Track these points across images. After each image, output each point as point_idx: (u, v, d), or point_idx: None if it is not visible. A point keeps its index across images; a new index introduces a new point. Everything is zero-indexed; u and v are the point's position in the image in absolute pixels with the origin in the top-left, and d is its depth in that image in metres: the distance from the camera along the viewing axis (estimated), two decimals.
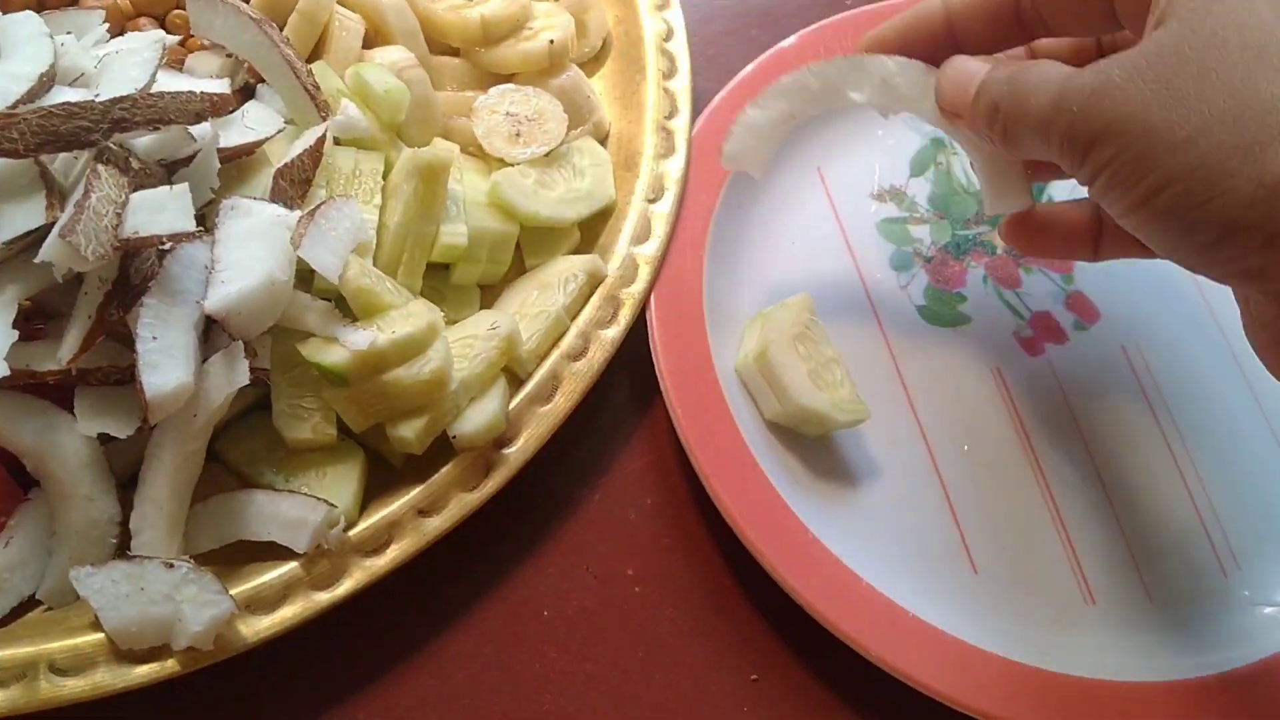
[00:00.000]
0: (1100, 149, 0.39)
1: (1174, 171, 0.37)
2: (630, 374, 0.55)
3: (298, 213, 0.48)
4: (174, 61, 0.55)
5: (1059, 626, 0.51)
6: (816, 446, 0.54)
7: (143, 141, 0.48)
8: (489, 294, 0.54)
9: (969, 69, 0.45)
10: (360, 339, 0.46)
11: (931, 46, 0.48)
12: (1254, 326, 0.41)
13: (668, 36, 0.60)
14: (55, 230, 0.42)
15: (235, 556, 0.47)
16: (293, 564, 0.47)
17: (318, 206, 0.47)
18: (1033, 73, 0.42)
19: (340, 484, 0.48)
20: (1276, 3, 0.38)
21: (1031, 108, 0.41)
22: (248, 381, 0.44)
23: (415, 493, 0.48)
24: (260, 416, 0.49)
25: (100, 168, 0.44)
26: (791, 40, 0.61)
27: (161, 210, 0.44)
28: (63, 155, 0.46)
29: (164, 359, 0.43)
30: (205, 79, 0.53)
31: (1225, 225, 0.37)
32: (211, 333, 0.47)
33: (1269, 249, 0.36)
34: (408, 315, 0.48)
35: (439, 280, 0.53)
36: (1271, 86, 0.36)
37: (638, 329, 0.54)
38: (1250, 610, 0.52)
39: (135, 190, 0.45)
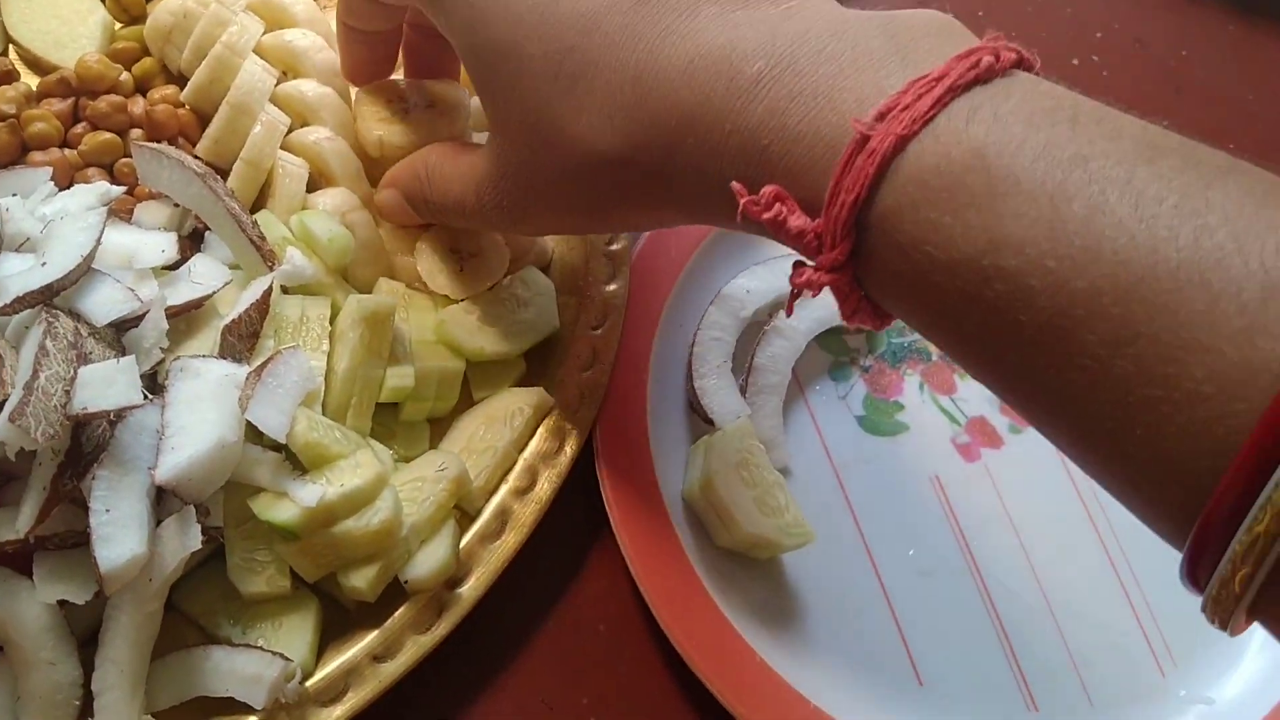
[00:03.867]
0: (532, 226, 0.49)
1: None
2: (582, 500, 0.56)
3: (246, 369, 0.49)
4: (123, 211, 0.56)
5: None
6: (766, 568, 0.55)
7: (92, 305, 0.49)
8: (438, 427, 0.56)
9: (392, 201, 0.55)
10: (309, 494, 0.47)
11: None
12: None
13: None
14: (4, 414, 0.43)
15: (195, 711, 0.48)
16: (252, 719, 0.48)
17: (265, 363, 0.48)
18: (441, 186, 0.52)
19: (296, 634, 0.49)
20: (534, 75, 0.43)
21: (468, 217, 0.51)
22: (200, 546, 0.46)
23: (370, 638, 0.50)
24: (217, 566, 0.50)
25: (49, 344, 0.45)
26: None
27: (110, 384, 0.45)
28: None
29: (117, 530, 0.44)
30: (152, 230, 0.54)
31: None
32: (165, 495, 0.48)
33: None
34: (356, 466, 0.49)
35: (389, 418, 0.54)
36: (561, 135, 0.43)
37: (587, 455, 0.55)
38: (1187, 710, 0.54)
39: (84, 362, 0.46)
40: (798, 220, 0.36)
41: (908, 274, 0.34)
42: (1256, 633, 0.56)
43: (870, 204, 0.34)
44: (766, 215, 0.36)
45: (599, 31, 0.41)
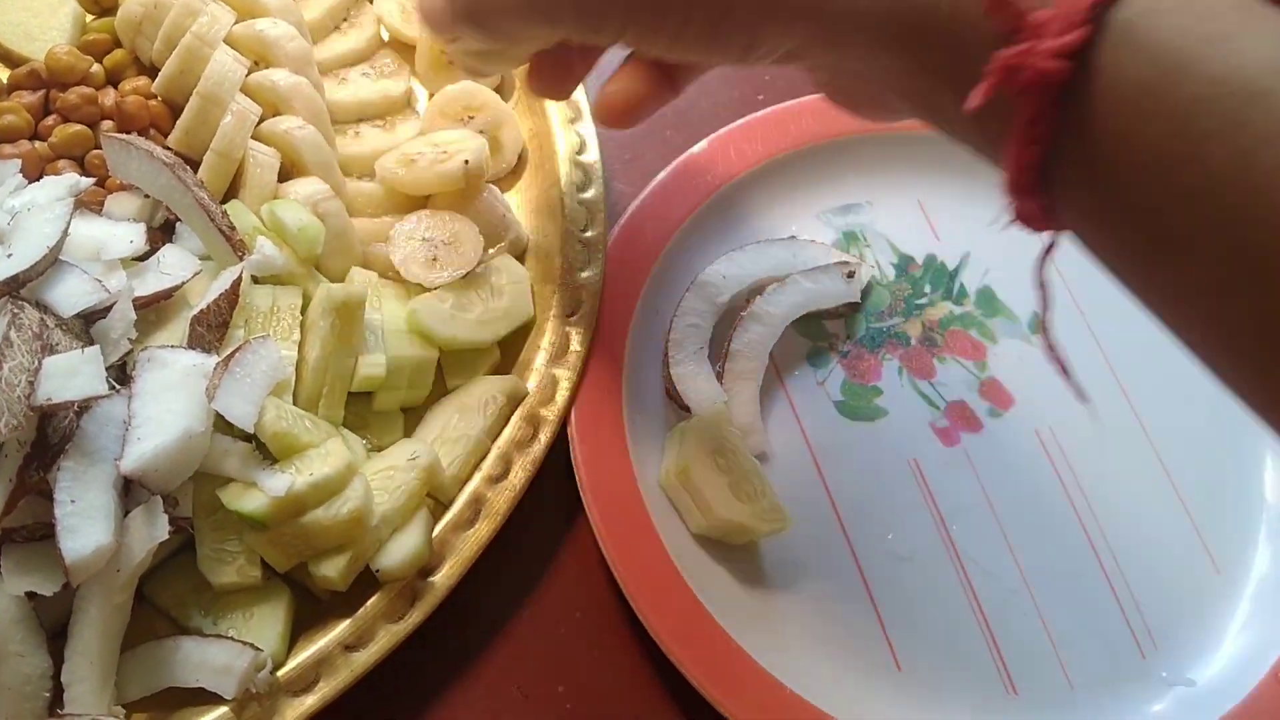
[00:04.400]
0: (609, 18, 0.40)
1: (688, 5, 0.38)
2: (558, 489, 0.56)
3: (214, 359, 0.49)
4: (93, 202, 0.56)
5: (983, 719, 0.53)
6: (743, 553, 0.55)
7: (59, 296, 0.49)
8: (413, 416, 0.55)
9: None
10: (278, 484, 0.47)
11: None
12: (826, 92, 0.44)
13: (580, 149, 0.61)
14: None
15: (166, 702, 0.48)
16: (223, 709, 0.47)
17: (232, 353, 0.48)
18: None
19: (267, 624, 0.49)
20: None
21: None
22: (167, 536, 0.45)
23: (342, 627, 0.49)
24: (188, 557, 0.50)
25: (13, 335, 0.45)
26: (702, 145, 0.63)
27: (74, 375, 0.45)
28: None
29: (82, 522, 0.44)
30: (122, 221, 0.54)
31: (750, 27, 0.38)
32: (132, 486, 0.47)
33: (793, 31, 0.38)
34: (325, 455, 0.49)
35: (362, 408, 0.54)
36: None
37: (563, 443, 0.55)
38: (1168, 691, 0.54)
39: (49, 353, 0.46)
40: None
41: (1151, 83, 0.30)
42: (1237, 614, 0.56)
43: (1117, 1, 0.31)
44: None
45: None
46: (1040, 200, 0.34)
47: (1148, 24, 0.30)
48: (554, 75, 0.48)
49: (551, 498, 0.56)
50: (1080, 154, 0.32)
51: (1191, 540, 0.57)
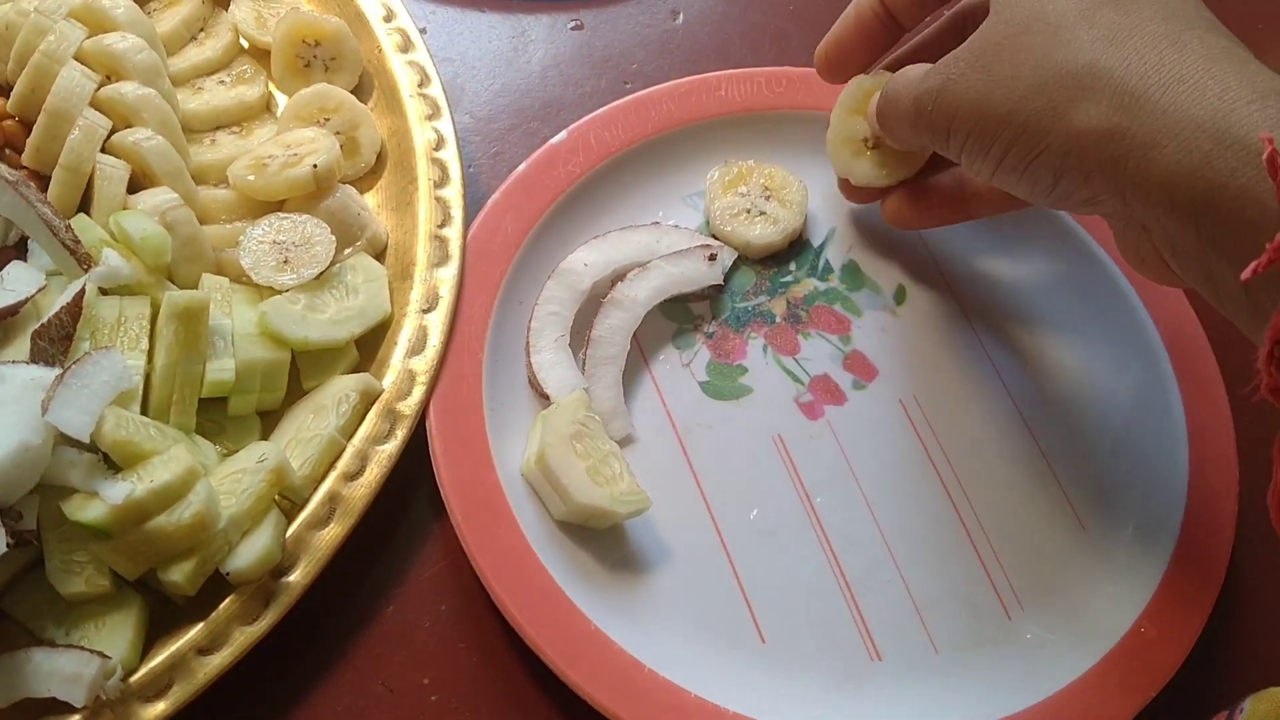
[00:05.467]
0: (955, 134, 0.49)
1: (1008, 139, 0.46)
2: (425, 484, 0.56)
3: (55, 372, 0.49)
4: None
5: (848, 686, 0.53)
6: (608, 538, 0.55)
7: None
8: (270, 419, 0.56)
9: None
10: (116, 492, 0.47)
11: (874, 30, 0.56)
12: (1119, 244, 0.48)
13: (438, 145, 0.62)
14: None
15: (25, 714, 0.48)
16: (75, 718, 0.48)
17: (69, 366, 0.48)
18: (898, 80, 0.53)
19: (118, 632, 0.49)
20: None
21: (900, 110, 0.52)
22: (5, 550, 0.46)
23: (195, 631, 0.50)
24: (41, 570, 0.50)
25: None
26: (562, 135, 0.63)
27: None
28: None
29: None
30: None
31: (1054, 170, 0.45)
32: None
33: (1090, 183, 0.44)
34: (168, 461, 0.49)
35: (217, 413, 0.54)
36: (1063, 55, 0.44)
37: (424, 439, 0.55)
38: (1034, 650, 0.54)
39: None
40: None
41: None
42: (1104, 574, 0.56)
43: None
44: None
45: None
46: None
47: None
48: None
49: (416, 494, 0.56)
50: None
51: (1057, 498, 0.58)
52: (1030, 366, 0.61)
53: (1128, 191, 0.43)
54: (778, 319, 0.62)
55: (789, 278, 0.63)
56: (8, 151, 0.59)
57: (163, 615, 0.50)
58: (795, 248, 0.64)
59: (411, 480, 0.55)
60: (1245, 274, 0.36)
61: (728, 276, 0.62)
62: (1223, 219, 0.39)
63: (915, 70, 0.52)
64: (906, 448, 0.59)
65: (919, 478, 0.58)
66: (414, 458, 0.55)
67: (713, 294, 0.62)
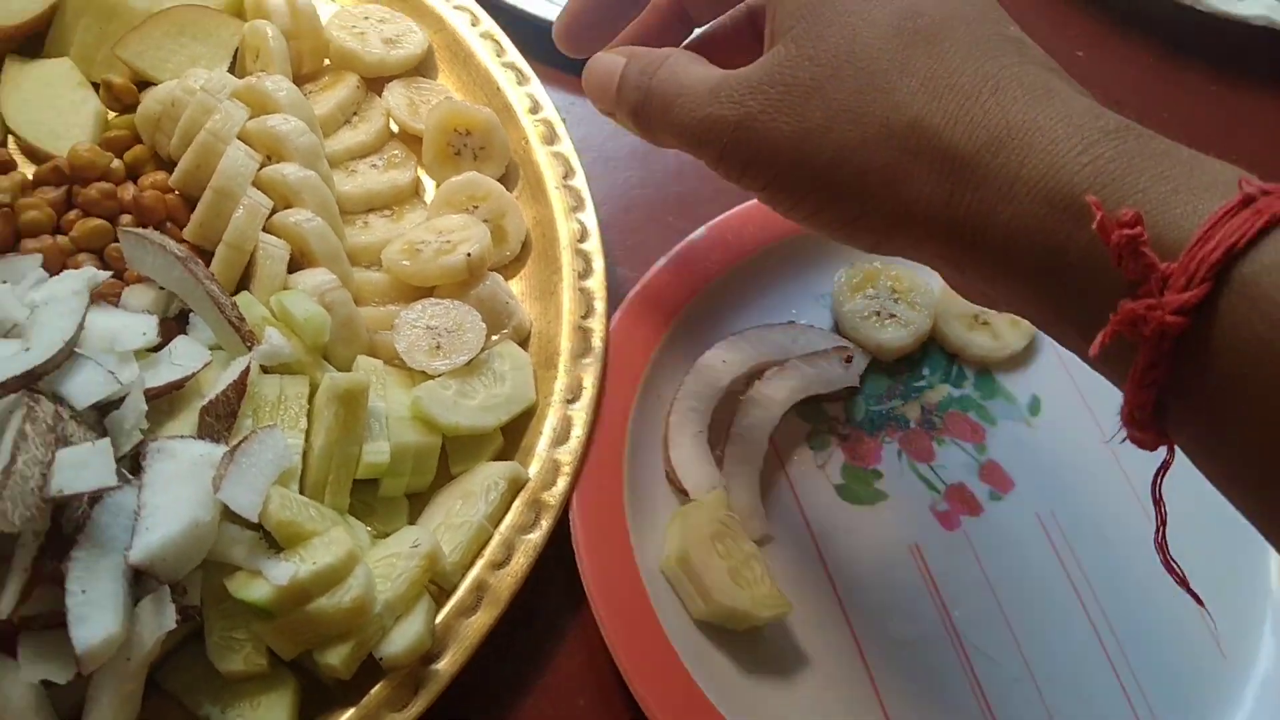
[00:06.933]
0: (754, 175, 0.44)
1: (826, 196, 0.43)
2: (562, 573, 0.56)
3: (222, 449, 0.50)
4: (111, 294, 0.58)
5: None
6: (746, 640, 0.55)
7: (74, 388, 0.50)
8: (418, 501, 0.56)
9: (608, 65, 0.50)
10: (281, 573, 0.48)
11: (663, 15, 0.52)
12: (948, 284, 0.47)
13: (582, 237, 0.63)
14: None
15: None
16: None
17: (239, 444, 0.49)
18: (670, 80, 0.47)
19: (273, 712, 0.49)
20: (873, 24, 0.42)
21: (675, 120, 0.46)
22: (174, 626, 0.46)
23: (347, 716, 0.50)
24: (199, 645, 0.50)
25: (28, 428, 0.46)
26: (701, 231, 0.64)
27: (85, 467, 0.46)
28: None
29: (93, 611, 0.45)
30: (137, 313, 0.56)
31: (881, 232, 0.42)
32: (143, 575, 0.48)
33: (922, 248, 0.42)
34: (329, 543, 0.49)
35: (368, 494, 0.55)
36: (883, 109, 0.40)
37: (565, 528, 0.56)
38: None
39: (63, 445, 0.47)
40: (1150, 250, 0.34)
41: (1266, 337, 0.32)
42: (1243, 700, 0.56)
43: (1242, 257, 0.32)
44: (1125, 233, 0.34)
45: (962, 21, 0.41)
46: (1154, 432, 0.36)
47: (1269, 280, 0.32)
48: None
49: (556, 584, 0.56)
50: (1195, 398, 0.34)
51: (1196, 625, 0.57)
52: (1169, 485, 0.60)
53: (963, 258, 0.40)
54: (912, 424, 0.62)
55: (922, 382, 0.63)
56: (169, 225, 0.61)
57: (314, 696, 0.51)
58: (927, 350, 0.64)
59: (551, 570, 0.56)
60: (1093, 349, 0.34)
61: (861, 378, 0.63)
62: (1064, 285, 0.37)
63: (692, 72, 0.46)
64: (1044, 563, 0.58)
65: (1057, 594, 0.57)
66: (554, 547, 0.55)
67: (847, 395, 0.63)
